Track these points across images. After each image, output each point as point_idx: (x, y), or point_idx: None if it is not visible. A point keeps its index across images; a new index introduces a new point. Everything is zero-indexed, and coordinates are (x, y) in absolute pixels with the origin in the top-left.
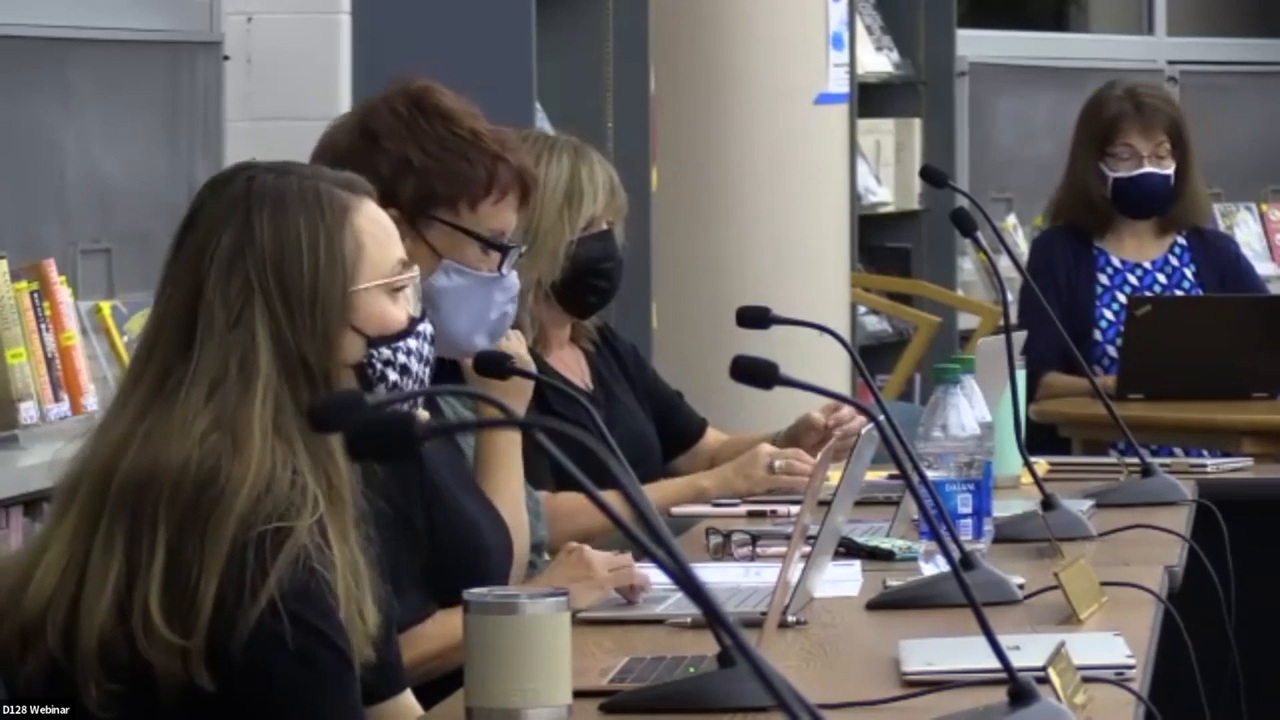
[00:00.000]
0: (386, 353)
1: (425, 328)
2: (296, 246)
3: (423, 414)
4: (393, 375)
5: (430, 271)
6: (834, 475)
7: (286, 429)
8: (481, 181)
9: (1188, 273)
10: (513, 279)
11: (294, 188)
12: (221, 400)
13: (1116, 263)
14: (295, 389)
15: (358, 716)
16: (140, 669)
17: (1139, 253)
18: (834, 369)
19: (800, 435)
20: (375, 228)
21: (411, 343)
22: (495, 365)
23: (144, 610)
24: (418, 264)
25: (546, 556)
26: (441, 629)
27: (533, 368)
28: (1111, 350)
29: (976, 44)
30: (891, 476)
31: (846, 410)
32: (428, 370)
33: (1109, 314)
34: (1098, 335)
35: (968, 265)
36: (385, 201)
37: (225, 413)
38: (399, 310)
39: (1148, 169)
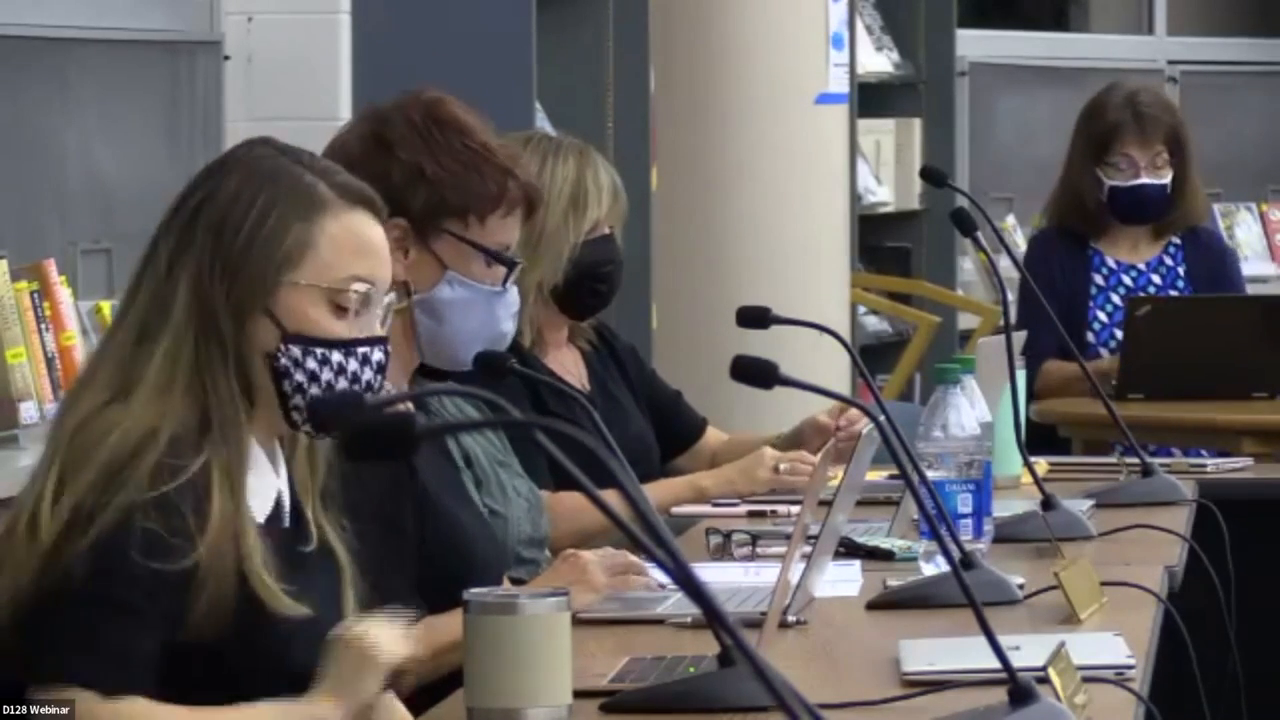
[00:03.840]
0: (296, 352)
1: (374, 354)
2: (244, 213)
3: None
4: (299, 377)
5: (435, 283)
6: (835, 475)
7: (178, 381)
8: (491, 196)
9: (1181, 272)
10: (513, 294)
11: (279, 167)
12: (142, 340)
13: (1111, 263)
14: (205, 344)
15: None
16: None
17: (1134, 254)
18: (834, 369)
19: (806, 437)
20: (349, 237)
21: (336, 356)
22: (494, 366)
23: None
24: (423, 275)
25: (548, 554)
26: (430, 634)
27: None
28: (1105, 352)
29: (976, 44)
30: (891, 476)
31: (854, 411)
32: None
33: (1102, 315)
34: (1090, 337)
35: (968, 265)
36: (394, 210)
37: (131, 356)
38: (335, 323)
39: (1144, 180)
